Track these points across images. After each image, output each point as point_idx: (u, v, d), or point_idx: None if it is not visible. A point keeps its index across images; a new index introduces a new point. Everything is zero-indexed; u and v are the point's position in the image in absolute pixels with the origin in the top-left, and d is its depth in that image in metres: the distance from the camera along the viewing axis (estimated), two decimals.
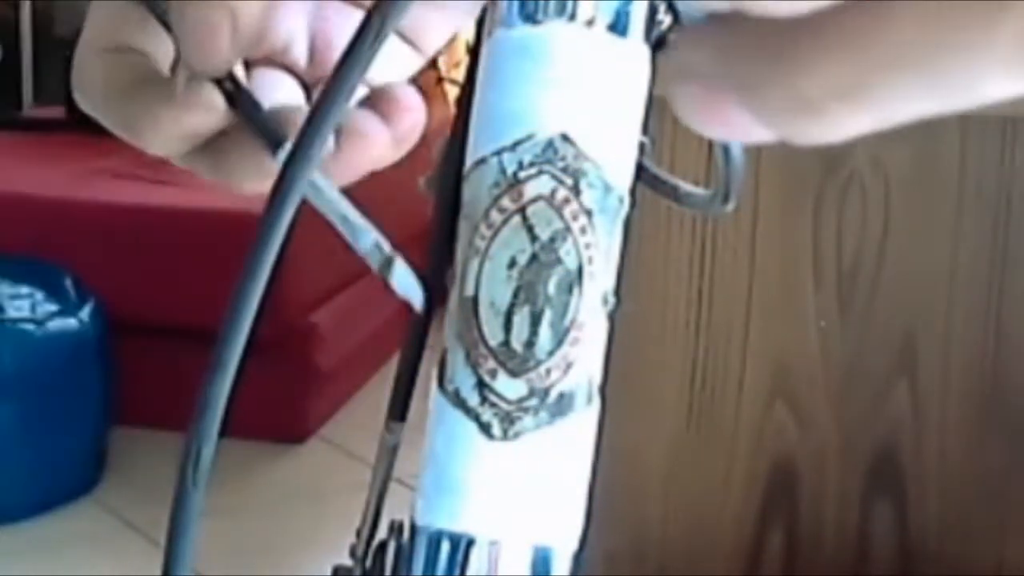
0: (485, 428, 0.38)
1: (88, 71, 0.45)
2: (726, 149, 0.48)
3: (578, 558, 0.39)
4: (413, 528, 0.39)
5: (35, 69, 4.14)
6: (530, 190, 0.37)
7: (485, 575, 0.38)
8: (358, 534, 0.52)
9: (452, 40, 0.50)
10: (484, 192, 0.38)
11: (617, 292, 0.39)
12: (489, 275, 0.37)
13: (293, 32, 0.47)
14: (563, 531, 0.39)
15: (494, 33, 0.38)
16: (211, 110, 0.42)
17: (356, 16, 0.47)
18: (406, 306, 0.42)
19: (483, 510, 0.38)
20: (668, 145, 1.36)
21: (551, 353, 0.37)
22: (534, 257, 0.37)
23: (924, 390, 1.47)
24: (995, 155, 1.42)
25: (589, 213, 0.37)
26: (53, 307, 2.69)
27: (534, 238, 0.37)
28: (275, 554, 2.49)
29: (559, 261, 0.37)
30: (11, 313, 2.63)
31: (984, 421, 1.47)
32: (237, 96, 0.42)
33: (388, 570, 0.48)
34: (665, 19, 0.39)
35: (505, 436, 0.38)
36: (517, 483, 0.38)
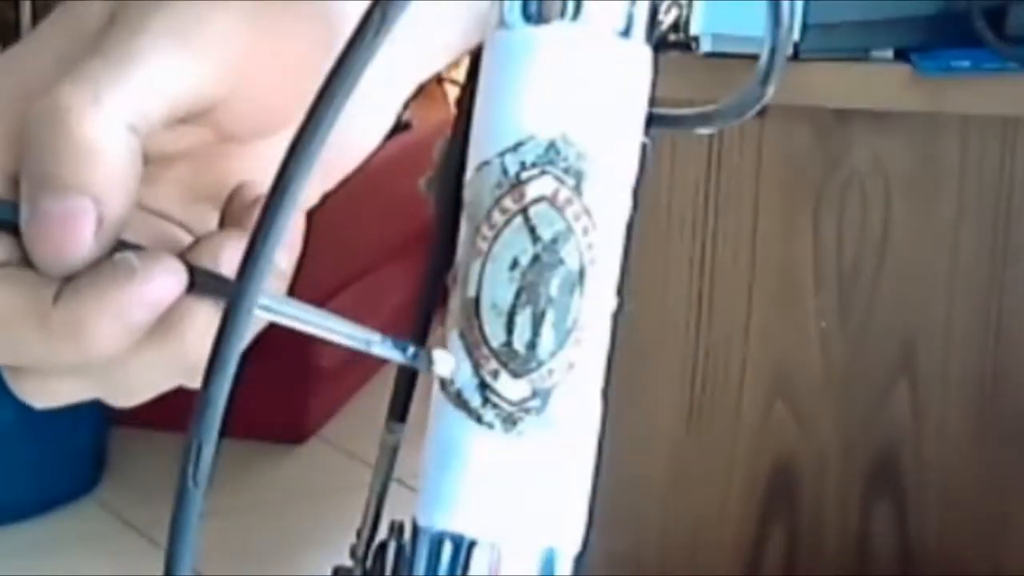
0: (487, 429, 0.38)
1: None
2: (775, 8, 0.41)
3: (579, 558, 0.39)
4: (415, 529, 0.39)
5: None
6: (532, 191, 0.37)
7: None
8: (358, 534, 0.52)
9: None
10: (486, 193, 0.38)
11: (618, 292, 0.39)
12: (491, 276, 0.37)
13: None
14: (565, 532, 0.39)
15: (495, 34, 0.38)
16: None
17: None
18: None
19: (485, 511, 0.38)
20: (668, 144, 1.36)
21: (553, 354, 0.37)
22: (536, 258, 0.37)
23: (924, 391, 1.47)
24: (995, 155, 1.42)
25: (591, 213, 0.37)
26: None
27: (536, 239, 0.37)
28: (275, 554, 2.49)
29: (561, 262, 0.37)
30: None
31: (984, 421, 1.47)
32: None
33: (388, 570, 0.48)
34: (666, 19, 0.39)
35: (507, 437, 0.38)
36: (519, 484, 0.38)
